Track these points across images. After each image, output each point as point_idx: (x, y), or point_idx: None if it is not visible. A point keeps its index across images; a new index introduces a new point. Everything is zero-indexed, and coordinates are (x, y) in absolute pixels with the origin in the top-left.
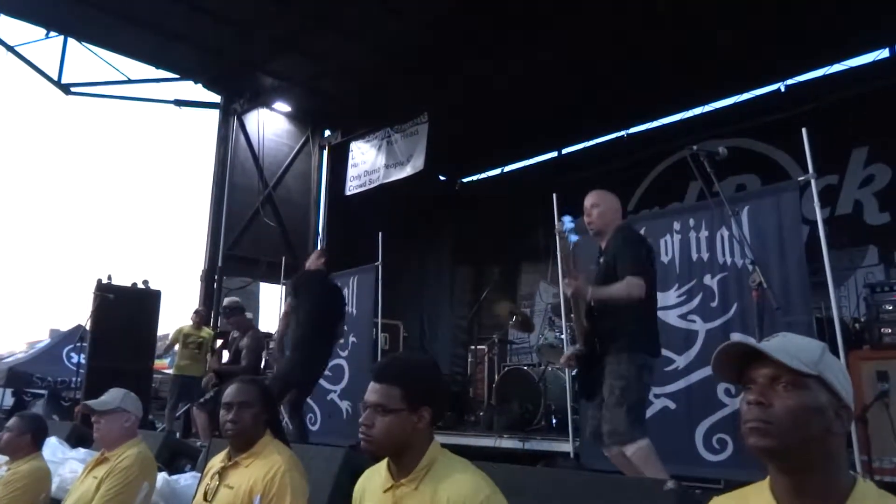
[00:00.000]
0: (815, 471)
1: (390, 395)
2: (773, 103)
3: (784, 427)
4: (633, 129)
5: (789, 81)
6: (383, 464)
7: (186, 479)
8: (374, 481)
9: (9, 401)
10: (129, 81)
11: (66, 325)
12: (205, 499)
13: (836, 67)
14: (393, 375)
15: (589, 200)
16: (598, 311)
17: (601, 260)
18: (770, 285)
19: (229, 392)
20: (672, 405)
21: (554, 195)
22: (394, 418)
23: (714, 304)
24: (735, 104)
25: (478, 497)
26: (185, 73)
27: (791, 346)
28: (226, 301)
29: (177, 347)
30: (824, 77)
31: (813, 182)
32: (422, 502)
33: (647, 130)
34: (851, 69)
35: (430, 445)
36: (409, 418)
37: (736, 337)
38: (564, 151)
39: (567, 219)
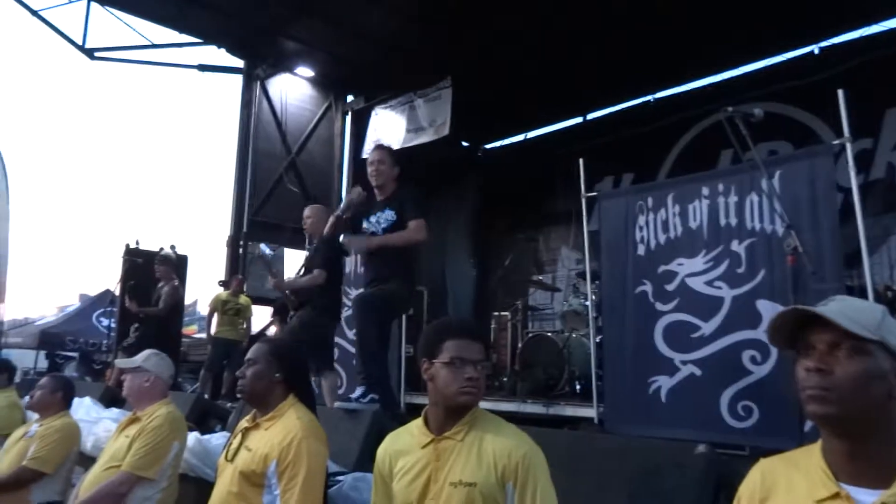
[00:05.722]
0: (874, 437)
1: (484, 349)
2: (806, 66)
3: (845, 394)
4: (659, 94)
5: (823, 44)
6: (410, 424)
7: (217, 438)
8: (401, 442)
9: (43, 363)
10: (153, 46)
11: (94, 290)
12: (226, 458)
13: (873, 29)
14: (479, 332)
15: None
16: None
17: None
18: (805, 249)
19: None
20: (698, 372)
21: (580, 160)
22: (484, 369)
23: (741, 271)
24: (766, 68)
25: (521, 449)
26: (208, 38)
27: (850, 310)
28: (162, 251)
29: (215, 316)
30: (859, 39)
31: (848, 146)
32: (467, 453)
33: (674, 95)
34: (886, 31)
35: None
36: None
37: (763, 304)
38: (589, 117)
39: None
